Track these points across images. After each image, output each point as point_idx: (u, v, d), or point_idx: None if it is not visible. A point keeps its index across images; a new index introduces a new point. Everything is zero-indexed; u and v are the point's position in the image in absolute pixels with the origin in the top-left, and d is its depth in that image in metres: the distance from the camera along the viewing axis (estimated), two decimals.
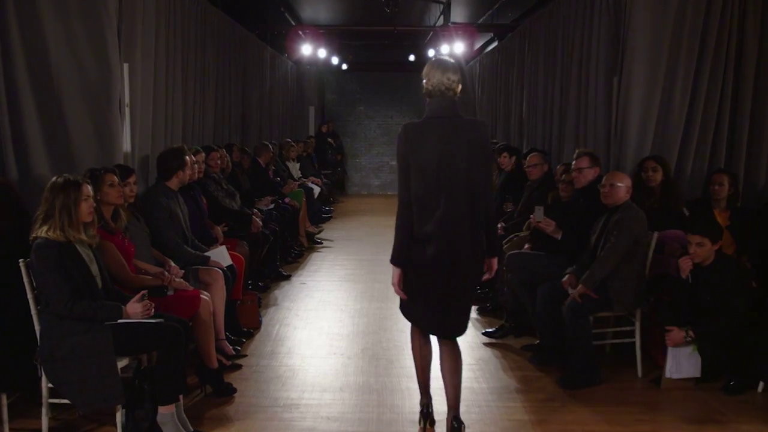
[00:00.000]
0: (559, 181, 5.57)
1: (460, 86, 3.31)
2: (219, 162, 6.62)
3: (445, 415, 3.59)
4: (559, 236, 5.02)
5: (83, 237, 3.50)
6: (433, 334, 3.53)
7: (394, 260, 3.36)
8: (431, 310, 3.40)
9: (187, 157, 5.00)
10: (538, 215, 5.06)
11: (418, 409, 3.83)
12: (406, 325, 4.81)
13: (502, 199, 7.03)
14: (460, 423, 3.47)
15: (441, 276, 3.30)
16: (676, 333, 4.13)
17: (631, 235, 4.36)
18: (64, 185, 3.46)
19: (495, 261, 3.48)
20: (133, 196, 4.50)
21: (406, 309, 3.54)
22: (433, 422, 3.69)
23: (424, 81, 3.33)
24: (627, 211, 4.43)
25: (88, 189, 3.54)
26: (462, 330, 3.49)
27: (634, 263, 4.44)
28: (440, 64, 3.32)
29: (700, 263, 4.17)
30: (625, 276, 4.42)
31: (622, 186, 4.47)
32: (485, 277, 3.52)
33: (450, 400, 3.50)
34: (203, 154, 6.05)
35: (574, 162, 5.02)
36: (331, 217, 11.32)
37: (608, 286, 4.41)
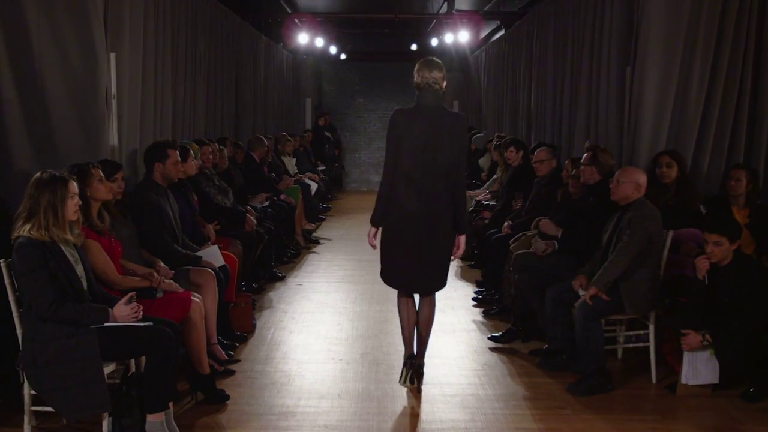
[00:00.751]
0: (569, 177, 5.56)
1: (444, 82, 4.06)
2: (211, 157, 6.62)
3: (452, 424, 3.72)
4: (558, 233, 5.03)
5: (69, 236, 3.49)
6: (416, 292, 4.30)
7: (372, 221, 4.20)
8: (408, 268, 4.17)
9: (170, 150, 4.94)
10: (538, 246, 5.09)
11: (421, 417, 3.85)
12: None
13: (510, 196, 7.03)
14: (422, 367, 4.35)
15: (421, 236, 4.07)
16: (692, 337, 4.12)
17: (644, 234, 4.35)
18: (50, 182, 3.45)
19: (463, 239, 4.21)
20: (120, 192, 4.49)
21: (387, 275, 4.30)
22: (417, 377, 4.26)
23: (415, 77, 4.08)
24: (640, 209, 4.42)
25: (75, 186, 3.54)
26: (441, 286, 4.30)
27: (648, 264, 4.43)
28: (429, 63, 4.07)
29: (717, 263, 4.16)
30: (638, 277, 4.41)
31: (627, 182, 4.44)
32: (455, 255, 4.22)
33: (419, 347, 4.38)
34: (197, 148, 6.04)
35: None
36: (324, 218, 11.26)
37: (620, 288, 4.41)
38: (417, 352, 4.37)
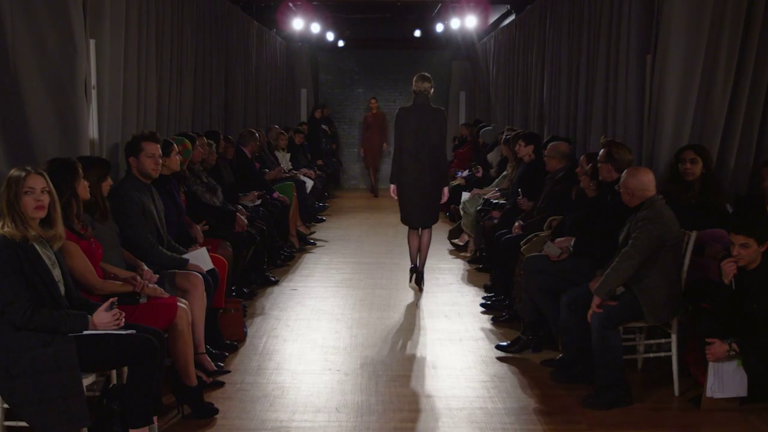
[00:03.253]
0: (583, 174, 5.55)
1: (432, 89, 6.76)
2: (201, 150, 6.62)
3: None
4: (570, 243, 5.04)
5: (39, 232, 3.48)
6: (416, 227, 6.94)
7: (391, 180, 6.98)
8: (413, 212, 6.87)
9: (144, 143, 4.87)
10: (552, 251, 5.09)
11: None
12: (410, 337, 5.06)
13: (517, 194, 7.01)
14: (422, 273, 7.02)
15: (418, 188, 6.74)
16: (718, 346, 4.09)
17: (648, 238, 4.33)
18: (8, 179, 3.48)
19: (446, 189, 7.03)
20: (107, 190, 4.49)
21: (403, 216, 7.00)
22: (418, 280, 6.96)
23: (413, 86, 6.77)
24: (649, 210, 4.41)
25: (35, 180, 3.49)
26: (433, 222, 7.01)
27: (663, 268, 4.41)
28: (422, 77, 6.80)
29: (745, 266, 4.15)
30: (653, 283, 4.40)
31: (622, 189, 4.49)
32: (442, 200, 7.01)
33: (420, 261, 7.02)
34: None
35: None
36: (325, 219, 11.23)
37: (636, 294, 4.40)
38: (418, 264, 7.00)
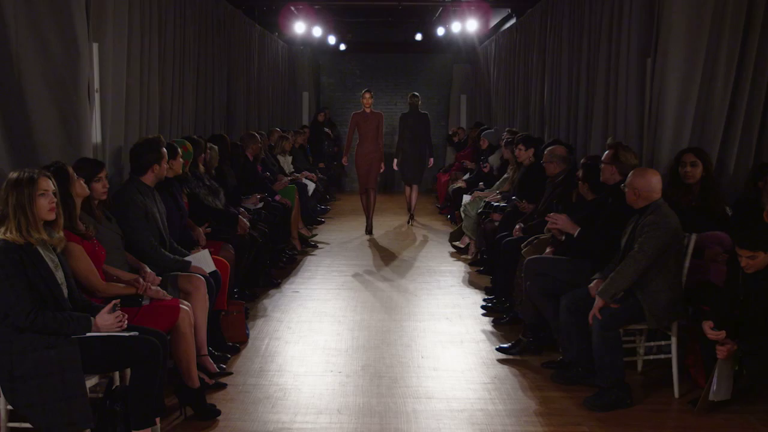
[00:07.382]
0: (579, 179, 5.56)
1: (420, 101, 10.95)
2: (212, 155, 6.64)
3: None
4: (575, 232, 5.01)
5: (45, 236, 3.49)
6: (410, 183, 10.97)
7: (395, 156, 11.06)
8: (408, 173, 10.96)
9: (162, 149, 4.97)
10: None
11: None
12: (411, 339, 5.35)
13: (521, 197, 7.00)
14: (413, 215, 11.17)
15: (411, 161, 10.84)
16: (731, 345, 4.04)
17: (655, 243, 4.33)
18: (16, 181, 3.47)
19: (431, 159, 11.03)
20: (105, 192, 4.50)
21: (401, 176, 11.32)
22: (410, 218, 11.14)
23: (408, 101, 11.01)
24: (655, 215, 4.40)
25: (47, 183, 3.52)
26: (419, 180, 11.01)
27: (666, 272, 4.41)
28: (413, 95, 10.99)
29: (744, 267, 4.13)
30: (657, 287, 4.40)
31: (628, 189, 4.47)
32: (429, 165, 11.03)
33: (412, 208, 11.10)
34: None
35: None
36: (324, 221, 11.26)
37: (639, 298, 4.40)
38: (411, 209, 11.01)
